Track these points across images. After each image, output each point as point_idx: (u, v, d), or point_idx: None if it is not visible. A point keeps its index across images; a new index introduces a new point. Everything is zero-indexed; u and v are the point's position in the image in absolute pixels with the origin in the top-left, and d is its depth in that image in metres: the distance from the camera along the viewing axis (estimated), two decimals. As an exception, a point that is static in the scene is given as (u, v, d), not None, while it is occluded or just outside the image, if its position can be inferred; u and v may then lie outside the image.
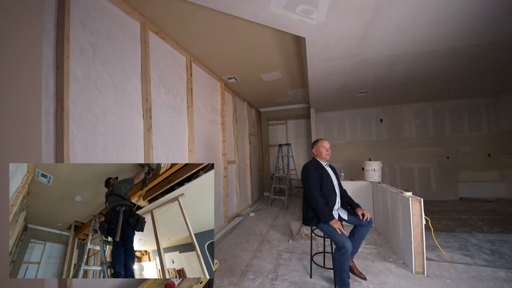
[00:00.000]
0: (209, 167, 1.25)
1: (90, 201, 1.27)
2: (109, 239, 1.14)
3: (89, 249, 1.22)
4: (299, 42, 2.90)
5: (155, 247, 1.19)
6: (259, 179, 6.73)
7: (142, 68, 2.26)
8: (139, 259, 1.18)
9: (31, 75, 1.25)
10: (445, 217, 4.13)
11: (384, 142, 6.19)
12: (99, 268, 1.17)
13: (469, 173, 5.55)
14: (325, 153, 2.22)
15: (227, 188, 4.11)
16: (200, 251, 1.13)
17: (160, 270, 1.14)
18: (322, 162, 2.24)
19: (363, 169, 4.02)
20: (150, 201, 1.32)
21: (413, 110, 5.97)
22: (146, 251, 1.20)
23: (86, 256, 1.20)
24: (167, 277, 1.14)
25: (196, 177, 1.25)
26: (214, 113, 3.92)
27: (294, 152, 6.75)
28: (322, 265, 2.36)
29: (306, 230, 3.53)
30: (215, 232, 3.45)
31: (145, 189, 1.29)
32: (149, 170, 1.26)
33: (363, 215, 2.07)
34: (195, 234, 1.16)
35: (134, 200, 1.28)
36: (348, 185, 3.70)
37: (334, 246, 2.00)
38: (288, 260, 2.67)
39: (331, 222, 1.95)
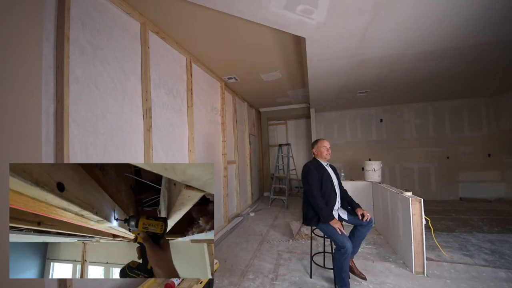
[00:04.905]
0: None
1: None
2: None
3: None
4: (299, 42, 2.90)
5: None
6: (259, 179, 6.73)
7: (142, 68, 2.26)
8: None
9: (31, 75, 1.25)
10: (445, 217, 4.13)
11: (384, 142, 6.19)
12: (99, 268, 1.16)
13: (469, 173, 5.55)
14: (325, 153, 2.23)
15: (227, 188, 4.11)
16: (200, 251, 1.13)
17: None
18: (322, 162, 2.24)
19: (363, 169, 4.03)
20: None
21: (413, 110, 5.97)
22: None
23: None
24: (167, 277, 1.14)
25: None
26: (214, 113, 3.92)
27: (294, 152, 6.75)
28: (322, 265, 2.37)
29: (306, 230, 3.53)
30: (215, 232, 3.45)
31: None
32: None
33: (363, 215, 2.08)
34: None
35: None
36: (348, 185, 3.70)
37: (334, 246, 2.00)
38: (288, 260, 2.67)
39: (331, 222, 1.95)
